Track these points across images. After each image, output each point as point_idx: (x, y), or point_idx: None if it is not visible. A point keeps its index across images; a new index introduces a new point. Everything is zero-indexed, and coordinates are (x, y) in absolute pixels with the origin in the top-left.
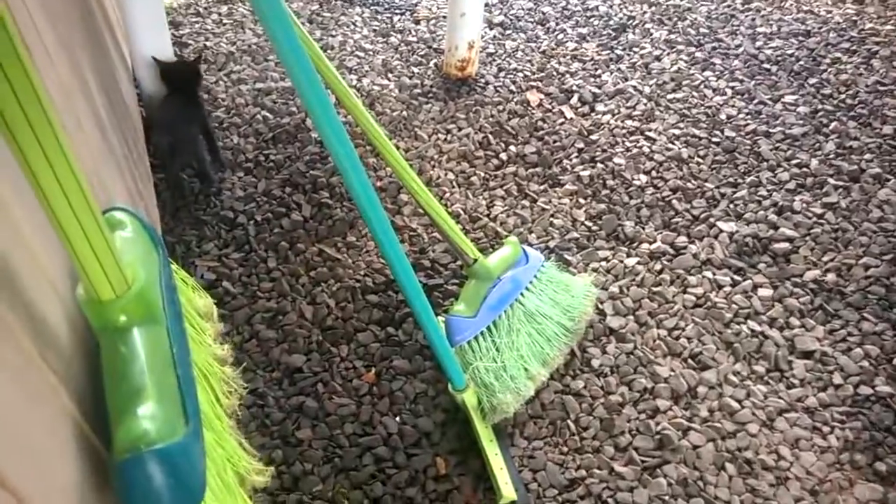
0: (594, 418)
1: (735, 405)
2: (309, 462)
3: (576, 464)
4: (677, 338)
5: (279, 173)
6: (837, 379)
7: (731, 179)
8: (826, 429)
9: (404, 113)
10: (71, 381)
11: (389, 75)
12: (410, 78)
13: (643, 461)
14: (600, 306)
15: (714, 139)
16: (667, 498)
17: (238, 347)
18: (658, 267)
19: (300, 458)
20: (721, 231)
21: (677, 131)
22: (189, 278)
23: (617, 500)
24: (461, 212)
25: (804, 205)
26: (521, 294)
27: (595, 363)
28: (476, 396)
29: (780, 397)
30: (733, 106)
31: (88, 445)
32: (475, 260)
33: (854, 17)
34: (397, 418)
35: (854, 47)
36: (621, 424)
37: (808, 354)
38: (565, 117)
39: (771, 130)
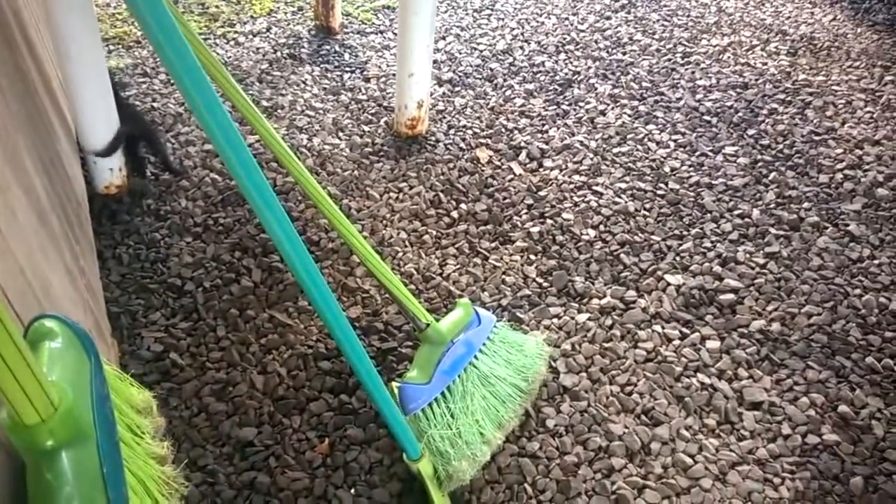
0: (551, 480)
1: (688, 460)
2: None
3: None
4: (630, 394)
5: (228, 237)
6: (786, 429)
7: (676, 232)
8: (777, 480)
9: (356, 172)
10: None
11: (340, 134)
12: (361, 136)
13: None
14: (553, 364)
15: (659, 192)
16: None
17: (186, 422)
18: (609, 322)
19: None
20: (669, 284)
21: (623, 185)
22: (125, 375)
23: None
24: (414, 272)
25: (747, 255)
26: (475, 357)
27: (550, 423)
28: (432, 465)
29: (731, 450)
30: (676, 158)
31: None
32: (427, 324)
33: (788, 69)
34: (352, 490)
35: (789, 98)
36: (577, 486)
37: (756, 405)
38: (514, 174)
39: (713, 182)
